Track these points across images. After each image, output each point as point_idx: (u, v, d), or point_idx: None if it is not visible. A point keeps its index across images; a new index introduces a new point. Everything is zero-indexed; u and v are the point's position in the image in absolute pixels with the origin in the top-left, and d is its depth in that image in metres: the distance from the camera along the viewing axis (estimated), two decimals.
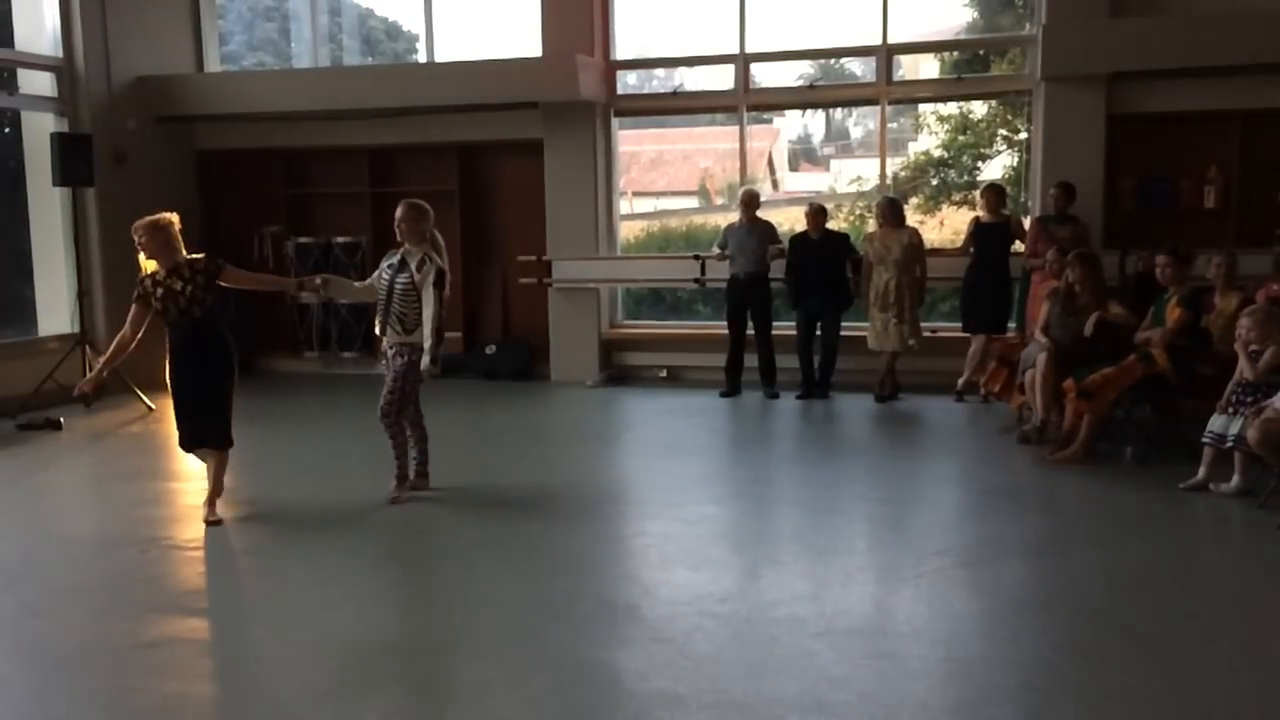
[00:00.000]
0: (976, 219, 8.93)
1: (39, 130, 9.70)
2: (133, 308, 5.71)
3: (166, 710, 3.71)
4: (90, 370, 9.09)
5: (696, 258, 9.93)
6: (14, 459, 7.59)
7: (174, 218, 5.71)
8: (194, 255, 5.79)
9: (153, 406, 9.01)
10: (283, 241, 10.71)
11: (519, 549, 5.36)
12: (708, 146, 13.87)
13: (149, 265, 5.68)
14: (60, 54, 9.88)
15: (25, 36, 9.88)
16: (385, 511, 5.97)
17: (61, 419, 8.41)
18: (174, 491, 6.70)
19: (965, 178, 11.37)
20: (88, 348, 9.18)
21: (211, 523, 5.76)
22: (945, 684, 3.82)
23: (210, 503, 5.87)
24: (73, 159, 8.94)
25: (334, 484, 6.59)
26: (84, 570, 5.19)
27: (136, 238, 5.63)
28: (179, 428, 5.84)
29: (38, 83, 9.86)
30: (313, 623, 4.52)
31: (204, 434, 5.79)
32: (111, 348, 5.87)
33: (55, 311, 9.88)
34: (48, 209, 9.87)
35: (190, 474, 7.24)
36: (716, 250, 9.43)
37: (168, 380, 5.81)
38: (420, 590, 4.96)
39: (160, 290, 5.65)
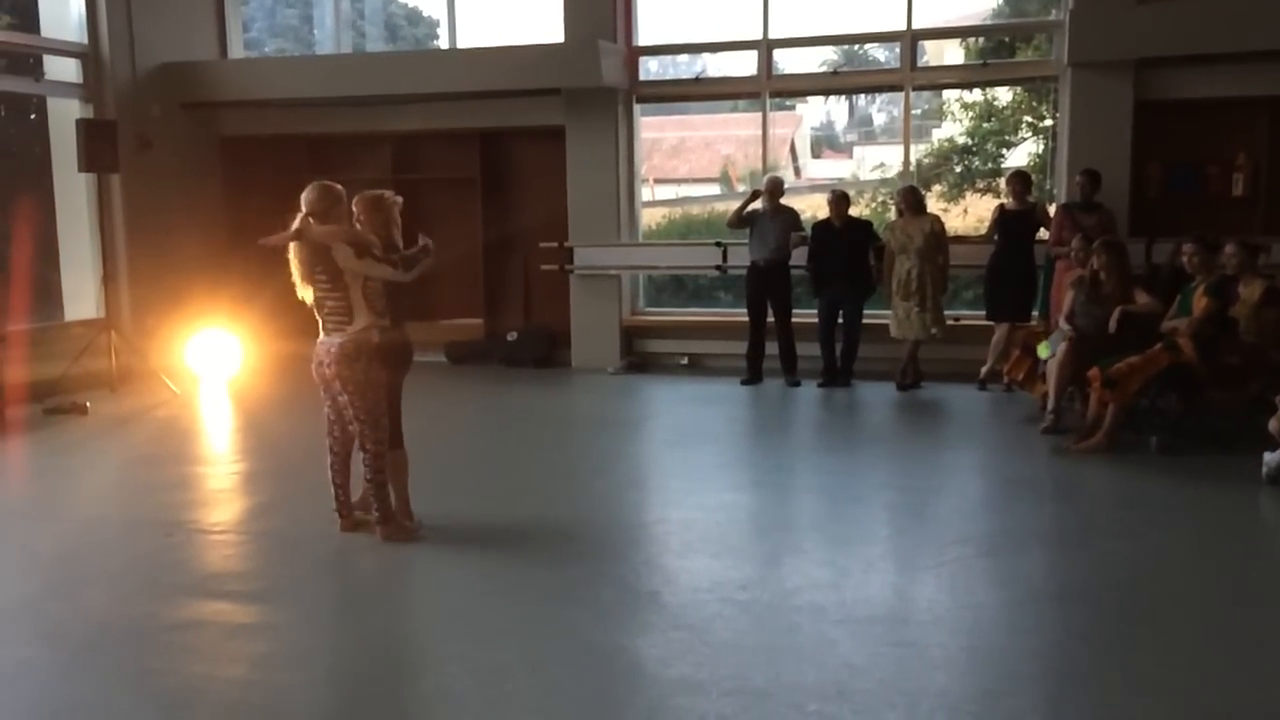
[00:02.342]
0: (1001, 206, 8.88)
1: (64, 116, 9.76)
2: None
3: (192, 691, 3.74)
4: (114, 357, 9.18)
5: (718, 244, 9.91)
6: (41, 443, 7.67)
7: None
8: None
9: (178, 391, 9.08)
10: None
11: (540, 534, 5.37)
12: (730, 133, 13.86)
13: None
14: (85, 40, 9.93)
15: (51, 23, 9.94)
16: None
17: (88, 403, 8.48)
18: (199, 476, 6.76)
19: (990, 165, 11.31)
20: (113, 332, 9.25)
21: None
22: (966, 673, 3.81)
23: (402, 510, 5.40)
24: (98, 145, 8.98)
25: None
26: (110, 553, 5.24)
27: (356, 209, 5.18)
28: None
29: (63, 69, 9.92)
30: (336, 606, 4.55)
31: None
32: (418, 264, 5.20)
33: (81, 297, 9.96)
34: (73, 195, 9.94)
35: (215, 459, 7.31)
36: (750, 192, 9.40)
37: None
38: (442, 575, 4.98)
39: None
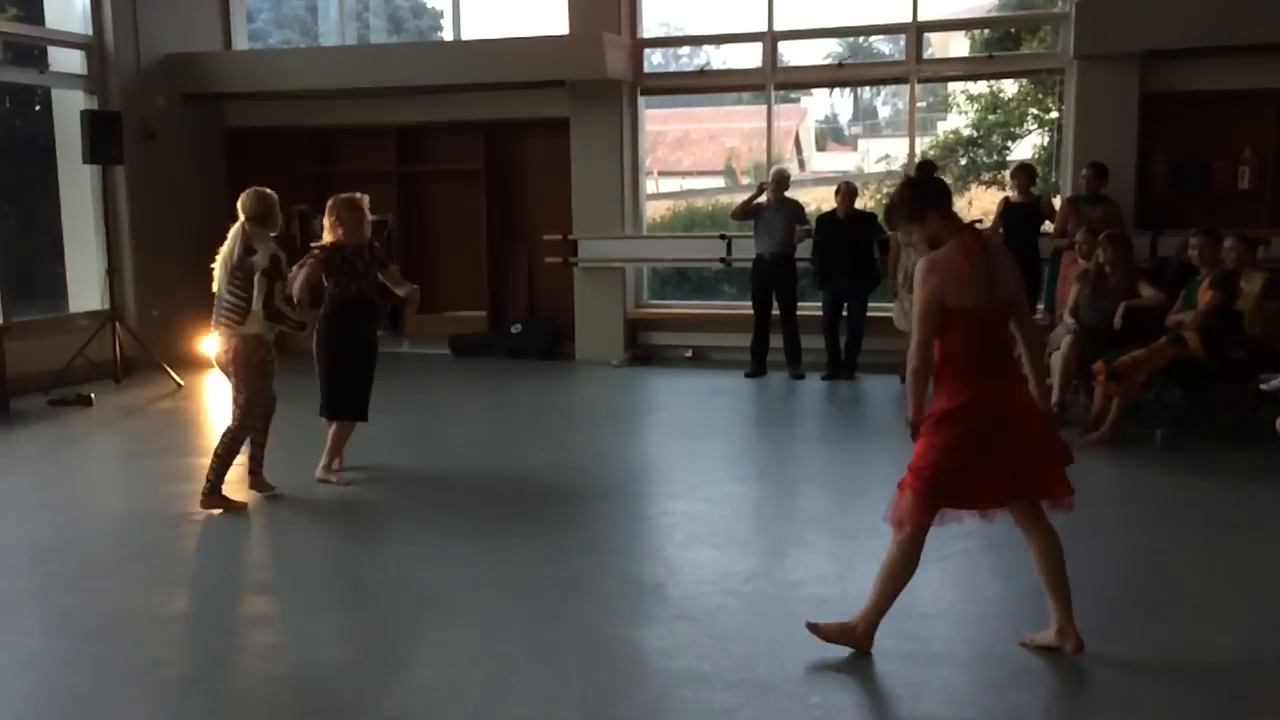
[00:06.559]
0: (1006, 199, 8.86)
1: (69, 108, 9.76)
2: (311, 265, 5.86)
3: (197, 683, 3.75)
4: (118, 349, 9.20)
5: (722, 237, 9.90)
6: (45, 434, 7.68)
7: (365, 199, 6.00)
8: (374, 241, 6.15)
9: (181, 383, 9.08)
10: (310, 220, 10.74)
11: (544, 527, 5.38)
12: (734, 126, 13.81)
13: (328, 237, 5.94)
14: (90, 31, 9.93)
15: (55, 14, 9.94)
16: (409, 488, 6.00)
17: (92, 395, 8.49)
18: (204, 467, 6.73)
19: (995, 157, 11.29)
20: (118, 324, 9.26)
21: (323, 481, 6.09)
22: (970, 665, 3.81)
23: (327, 465, 6.16)
24: (102, 136, 8.99)
25: (356, 457, 6.61)
26: (115, 544, 5.26)
27: (333, 212, 5.88)
28: (332, 396, 6.09)
29: (68, 60, 9.92)
30: (341, 596, 4.56)
31: (344, 404, 6.10)
32: (300, 292, 5.82)
33: (86, 288, 9.97)
34: (78, 186, 9.95)
35: None
36: (756, 186, 9.39)
37: (325, 349, 6.02)
38: (446, 567, 4.98)
39: (345, 264, 5.89)
